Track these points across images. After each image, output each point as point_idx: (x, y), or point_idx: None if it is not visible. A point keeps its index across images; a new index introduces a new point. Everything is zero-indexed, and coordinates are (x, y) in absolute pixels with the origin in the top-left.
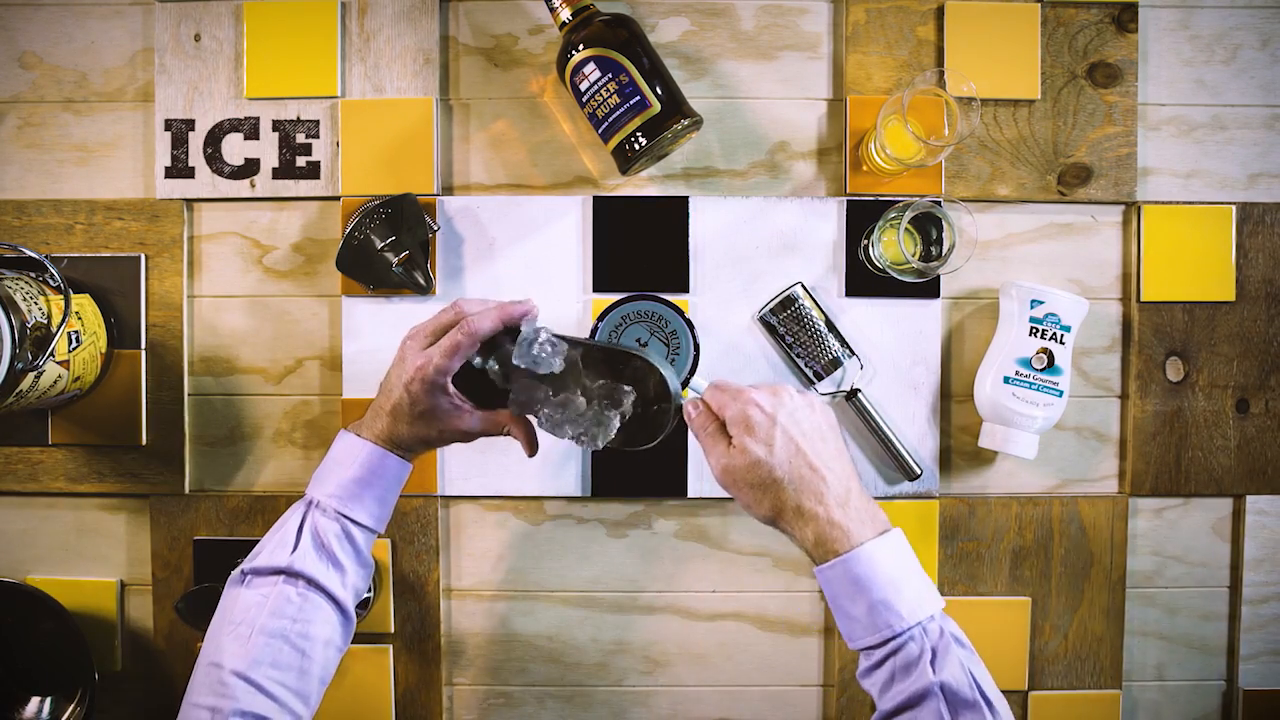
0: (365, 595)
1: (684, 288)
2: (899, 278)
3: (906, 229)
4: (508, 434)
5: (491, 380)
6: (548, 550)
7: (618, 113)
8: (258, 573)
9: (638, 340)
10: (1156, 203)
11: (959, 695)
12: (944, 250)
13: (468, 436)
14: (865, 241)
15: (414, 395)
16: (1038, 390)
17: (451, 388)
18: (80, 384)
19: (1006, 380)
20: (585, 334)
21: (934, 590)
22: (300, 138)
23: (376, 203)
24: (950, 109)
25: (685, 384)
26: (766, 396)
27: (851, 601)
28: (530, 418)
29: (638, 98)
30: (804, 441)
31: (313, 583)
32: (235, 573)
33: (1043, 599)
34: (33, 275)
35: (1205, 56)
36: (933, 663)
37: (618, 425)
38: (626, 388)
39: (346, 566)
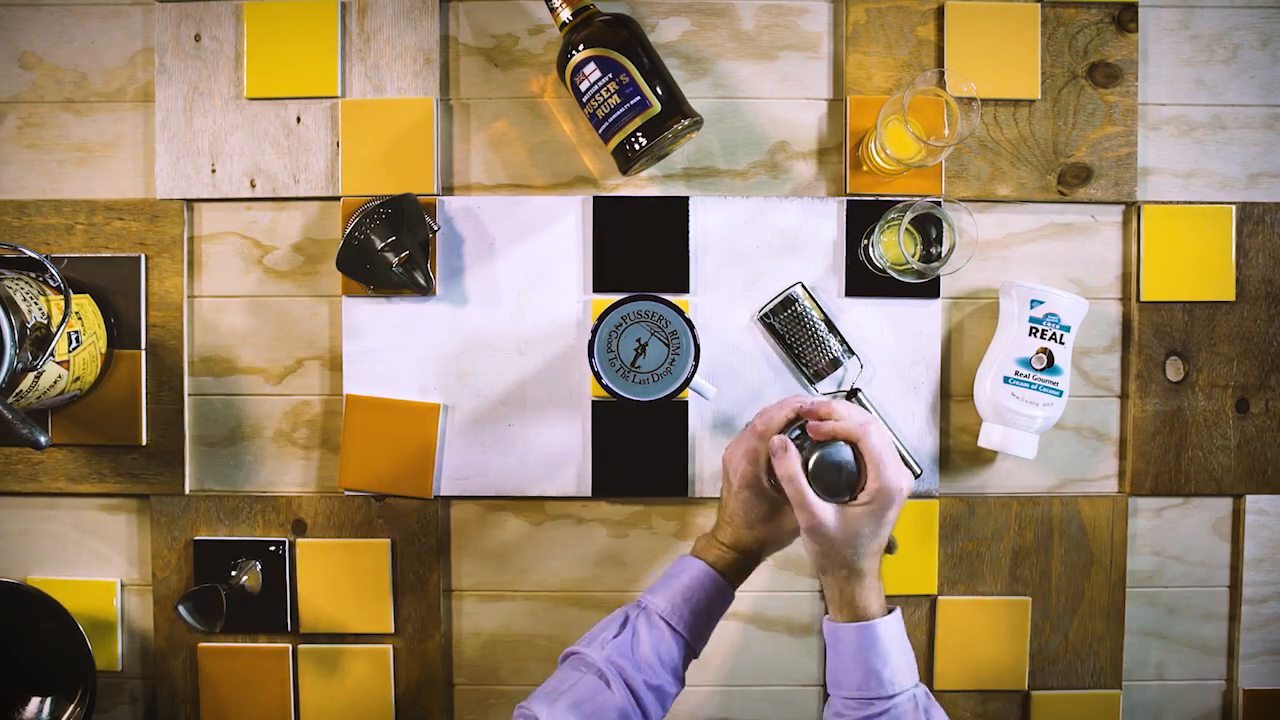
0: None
1: (684, 288)
2: (899, 278)
3: (906, 229)
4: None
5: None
6: (548, 550)
7: (618, 113)
8: (582, 658)
9: (637, 340)
10: (1156, 203)
11: None
12: (944, 250)
13: (794, 534)
14: (865, 242)
15: (743, 501)
16: (1037, 390)
17: (767, 484)
18: (80, 384)
19: (1006, 380)
20: (587, 335)
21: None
22: (300, 138)
23: (377, 203)
24: (950, 109)
25: (686, 384)
26: (896, 464)
27: (853, 661)
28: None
29: (638, 98)
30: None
31: (628, 684)
32: (567, 651)
33: (1043, 599)
34: (33, 275)
35: (1205, 56)
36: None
37: None
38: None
39: (664, 677)
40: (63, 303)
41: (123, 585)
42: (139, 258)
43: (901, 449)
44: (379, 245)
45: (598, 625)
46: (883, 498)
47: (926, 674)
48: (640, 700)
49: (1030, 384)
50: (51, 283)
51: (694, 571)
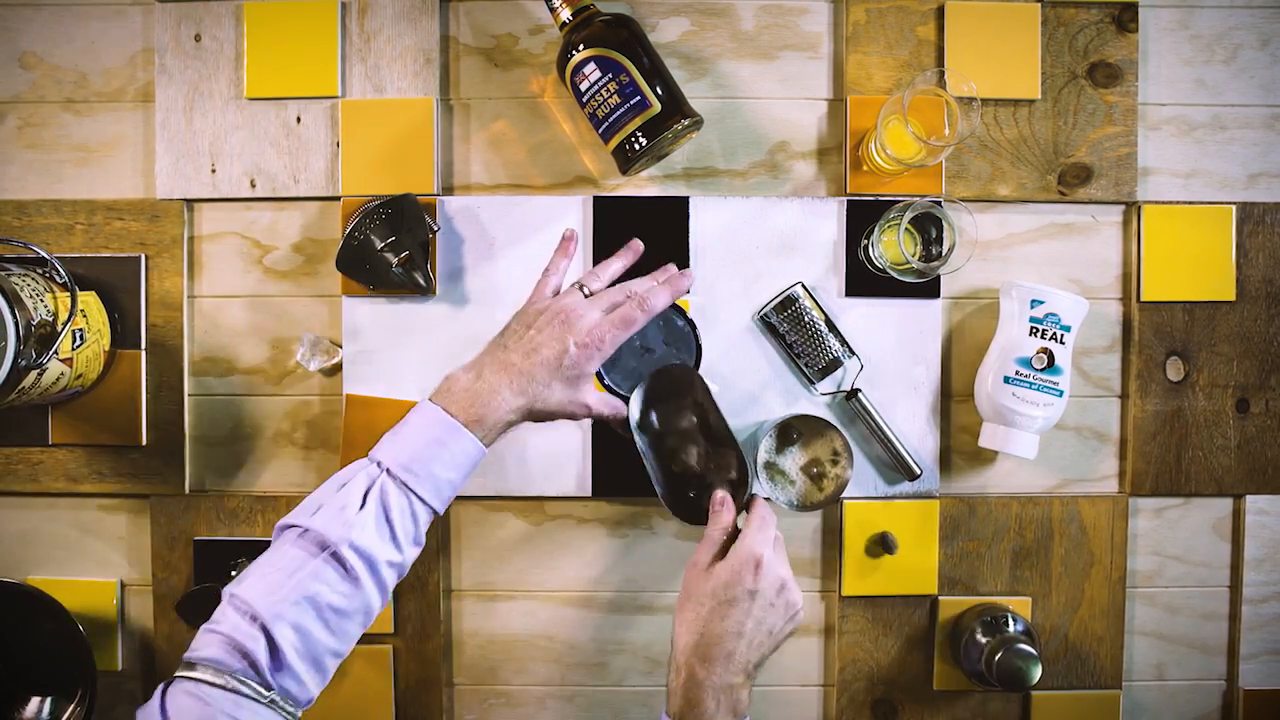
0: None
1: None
2: (899, 278)
3: (906, 229)
4: (611, 422)
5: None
6: (548, 550)
7: (618, 113)
8: (309, 535)
9: (639, 340)
10: (1156, 203)
11: None
12: (944, 250)
13: (586, 412)
14: (865, 241)
15: (576, 358)
16: (1038, 390)
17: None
18: (82, 381)
19: (1007, 380)
20: None
21: None
22: (300, 138)
23: (376, 203)
24: (950, 109)
25: None
26: (775, 577)
27: None
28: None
29: (638, 98)
30: (749, 630)
31: (365, 558)
32: (287, 529)
33: (1043, 599)
34: (39, 272)
35: (1205, 56)
36: None
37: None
38: (722, 467)
39: (404, 545)
40: (68, 300)
41: (123, 585)
42: (139, 258)
43: (902, 449)
44: (379, 245)
45: (329, 496)
46: (741, 552)
47: (926, 675)
48: (384, 588)
49: (1031, 384)
50: (58, 279)
51: (472, 453)
